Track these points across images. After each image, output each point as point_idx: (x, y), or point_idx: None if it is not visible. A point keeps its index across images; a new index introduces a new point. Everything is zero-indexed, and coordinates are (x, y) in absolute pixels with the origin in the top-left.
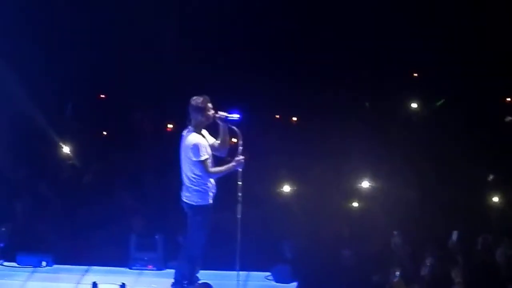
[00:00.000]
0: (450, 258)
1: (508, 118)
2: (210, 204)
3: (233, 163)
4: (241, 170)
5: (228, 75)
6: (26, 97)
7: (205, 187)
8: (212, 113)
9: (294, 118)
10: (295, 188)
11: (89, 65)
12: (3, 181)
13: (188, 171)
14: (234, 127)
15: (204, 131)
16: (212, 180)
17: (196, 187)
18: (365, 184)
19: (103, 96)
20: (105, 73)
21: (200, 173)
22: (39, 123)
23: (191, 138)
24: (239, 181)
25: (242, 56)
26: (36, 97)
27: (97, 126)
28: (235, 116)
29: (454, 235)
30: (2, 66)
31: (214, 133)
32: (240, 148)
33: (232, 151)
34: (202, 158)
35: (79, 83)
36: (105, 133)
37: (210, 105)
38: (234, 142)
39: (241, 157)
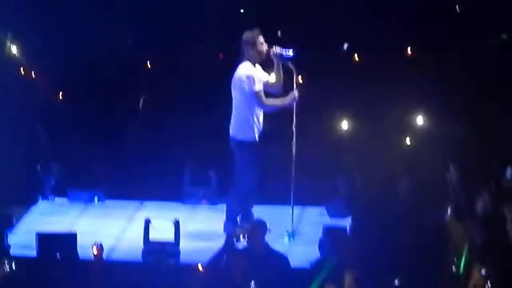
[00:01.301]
0: (504, 194)
1: None
2: (256, 141)
3: (288, 97)
4: (295, 105)
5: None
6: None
7: (251, 123)
8: (265, 48)
9: (351, 55)
10: (350, 124)
11: None
12: (54, 116)
13: (239, 105)
14: (290, 63)
15: (258, 66)
16: (260, 117)
17: (243, 122)
18: (419, 120)
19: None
20: None
21: (251, 106)
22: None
23: (245, 69)
24: (294, 117)
25: None
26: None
27: (146, 59)
28: (290, 52)
29: (509, 171)
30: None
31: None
32: (295, 84)
33: (285, 89)
34: (257, 89)
35: None
36: (153, 65)
37: (261, 38)
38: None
39: (296, 92)
